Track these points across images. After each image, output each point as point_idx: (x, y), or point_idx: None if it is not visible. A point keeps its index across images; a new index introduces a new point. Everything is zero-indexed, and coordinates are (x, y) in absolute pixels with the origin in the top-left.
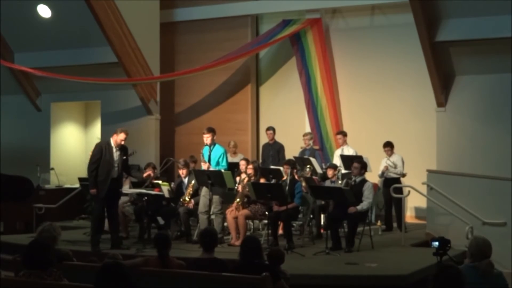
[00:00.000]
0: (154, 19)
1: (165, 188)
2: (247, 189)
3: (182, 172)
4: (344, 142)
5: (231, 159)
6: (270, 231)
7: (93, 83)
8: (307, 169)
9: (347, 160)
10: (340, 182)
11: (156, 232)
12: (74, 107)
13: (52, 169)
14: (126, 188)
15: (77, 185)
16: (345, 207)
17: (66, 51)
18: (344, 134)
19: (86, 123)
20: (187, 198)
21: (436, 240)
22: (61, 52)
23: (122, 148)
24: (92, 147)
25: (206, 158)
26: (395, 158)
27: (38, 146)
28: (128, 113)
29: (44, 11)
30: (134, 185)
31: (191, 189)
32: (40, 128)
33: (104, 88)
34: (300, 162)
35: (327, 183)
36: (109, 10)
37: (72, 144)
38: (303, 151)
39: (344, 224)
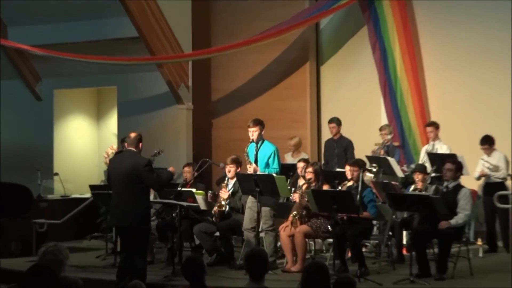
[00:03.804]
0: None
1: (200, 198)
2: (306, 199)
3: (229, 170)
4: (436, 137)
5: (292, 160)
6: (336, 253)
7: (108, 64)
8: (373, 169)
9: (436, 159)
10: (428, 184)
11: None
12: (83, 95)
13: (56, 174)
14: (151, 198)
15: (88, 194)
16: (435, 222)
17: (72, 24)
18: (436, 126)
19: (98, 115)
20: (222, 202)
21: None
22: (67, 26)
23: None
24: (106, 144)
25: (252, 159)
26: (495, 158)
27: (39, 145)
28: (152, 102)
29: None
30: (161, 194)
31: (224, 191)
32: (40, 122)
33: (122, 70)
34: (375, 163)
35: (411, 190)
36: None
37: (81, 142)
38: (380, 148)
39: (434, 244)
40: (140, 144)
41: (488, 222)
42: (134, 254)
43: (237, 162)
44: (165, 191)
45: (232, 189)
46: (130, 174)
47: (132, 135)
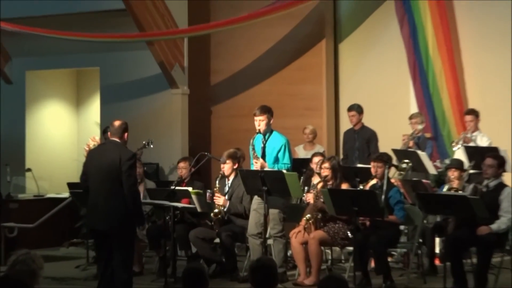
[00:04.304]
0: None
1: (197, 199)
2: (321, 200)
3: (223, 167)
4: (475, 127)
5: (304, 153)
6: (356, 263)
7: (89, 41)
8: (404, 165)
9: (475, 153)
10: (465, 183)
11: (185, 264)
12: (60, 77)
13: (29, 170)
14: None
15: (65, 194)
16: (473, 227)
17: None
18: (476, 115)
19: (78, 101)
20: (216, 210)
21: None
22: None
23: None
24: (87, 135)
25: (259, 153)
26: None
27: (8, 136)
28: (141, 86)
29: None
30: (151, 194)
31: (219, 197)
32: (10, 109)
33: (105, 48)
34: (402, 158)
35: (445, 190)
36: None
37: (58, 132)
38: (409, 140)
39: (472, 253)
40: (126, 134)
41: None
42: (117, 263)
43: (234, 158)
44: (156, 190)
45: (230, 190)
46: (112, 169)
47: (116, 123)
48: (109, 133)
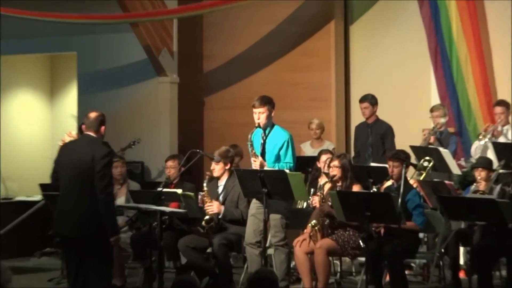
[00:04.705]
0: None
1: (188, 202)
2: (329, 203)
3: (213, 168)
4: (506, 120)
5: (311, 151)
6: (369, 276)
7: (65, 23)
8: (425, 164)
9: (505, 150)
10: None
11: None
12: (32, 63)
13: None
14: (122, 201)
15: (38, 197)
16: (503, 234)
17: None
18: (508, 107)
19: (52, 91)
20: (207, 217)
21: None
22: None
23: None
24: (63, 130)
25: (258, 150)
26: None
27: None
28: (124, 74)
29: None
30: (136, 197)
31: (208, 202)
32: None
33: (83, 31)
34: (422, 155)
35: (471, 192)
36: None
37: (29, 126)
38: (430, 135)
39: (502, 264)
40: (103, 127)
41: None
42: (91, 274)
43: (225, 157)
44: (141, 192)
45: (223, 193)
46: (85, 168)
47: (92, 114)
48: (83, 126)
